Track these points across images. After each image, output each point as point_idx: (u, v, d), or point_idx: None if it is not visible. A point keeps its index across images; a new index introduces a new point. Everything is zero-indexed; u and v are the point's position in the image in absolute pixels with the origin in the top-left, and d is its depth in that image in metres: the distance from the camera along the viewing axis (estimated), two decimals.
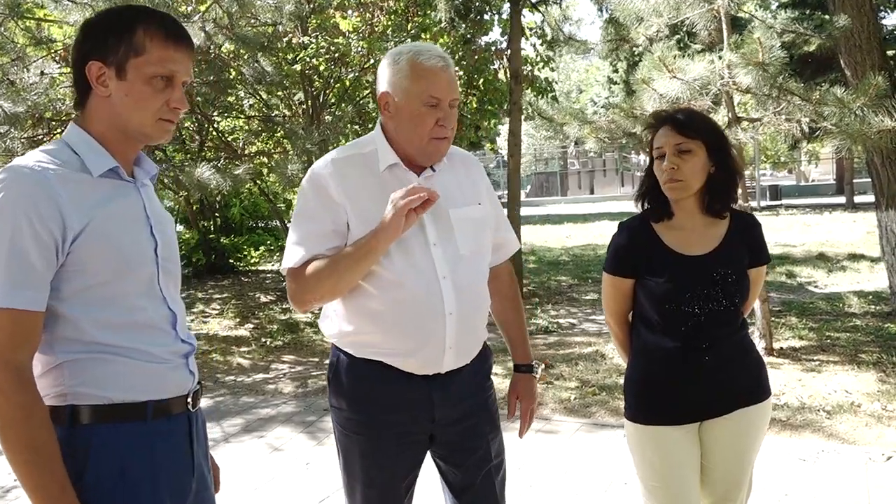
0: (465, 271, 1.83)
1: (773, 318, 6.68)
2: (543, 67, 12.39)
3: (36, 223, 1.25)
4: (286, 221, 10.98)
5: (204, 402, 5.22)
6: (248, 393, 5.48)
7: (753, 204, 22.58)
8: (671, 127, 2.00)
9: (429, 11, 9.38)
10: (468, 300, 1.83)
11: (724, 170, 2.01)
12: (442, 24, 8.94)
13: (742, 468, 2.10)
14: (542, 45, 11.28)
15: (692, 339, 2.01)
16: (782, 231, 14.89)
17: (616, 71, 29.43)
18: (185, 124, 10.58)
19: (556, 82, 13.11)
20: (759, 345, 5.57)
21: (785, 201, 24.22)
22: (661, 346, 2.04)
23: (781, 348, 5.71)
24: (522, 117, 9.22)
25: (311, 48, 9.02)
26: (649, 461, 2.05)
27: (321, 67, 9.36)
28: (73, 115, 1.44)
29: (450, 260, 1.81)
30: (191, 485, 1.48)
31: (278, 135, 10.45)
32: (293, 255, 1.80)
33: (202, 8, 7.62)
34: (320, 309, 1.96)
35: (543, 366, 5.51)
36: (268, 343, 7.08)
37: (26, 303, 1.25)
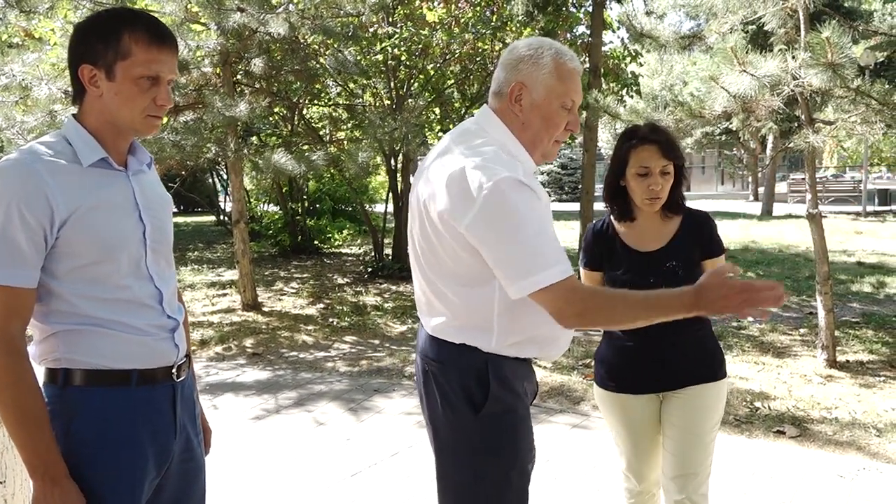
0: None
1: (847, 330, 6.41)
2: (631, 62, 12.17)
3: (24, 211, 1.41)
4: (364, 205, 11.32)
5: (264, 375, 5.49)
6: (306, 369, 5.76)
7: (859, 209, 21.31)
8: (659, 150, 2.22)
9: (509, 4, 9.40)
10: None
11: (679, 179, 2.30)
12: (520, 17, 8.94)
13: (695, 442, 2.28)
14: (629, 38, 11.09)
15: (649, 325, 2.18)
16: (885, 239, 14.03)
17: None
18: (276, 110, 11.07)
19: (642, 76, 12.81)
20: (820, 356, 5.38)
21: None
22: (623, 330, 2.32)
23: (847, 361, 5.47)
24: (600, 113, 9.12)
25: (395, 38, 9.24)
26: (612, 420, 2.43)
27: (403, 58, 9.56)
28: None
29: None
30: (174, 447, 1.63)
31: (364, 123, 10.80)
32: (563, 266, 1.60)
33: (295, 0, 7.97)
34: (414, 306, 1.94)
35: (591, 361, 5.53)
36: (334, 323, 7.38)
37: (17, 280, 1.42)
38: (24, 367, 1.44)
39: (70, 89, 6.80)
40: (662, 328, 2.18)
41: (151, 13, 1.80)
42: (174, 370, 1.63)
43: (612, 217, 2.39)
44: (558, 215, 24.30)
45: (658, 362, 2.30)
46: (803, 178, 24.04)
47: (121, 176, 1.59)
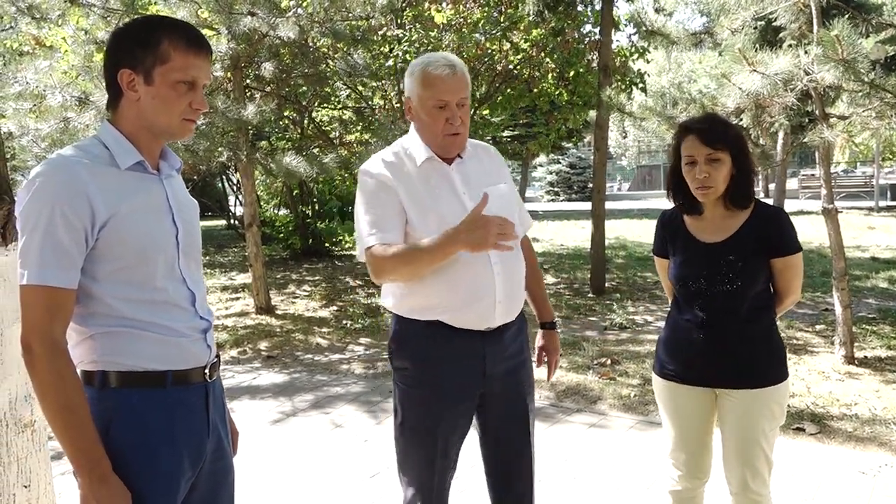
0: None
1: (864, 326, 6.37)
2: (638, 59, 12.15)
3: (67, 212, 1.44)
4: None
5: (280, 378, 5.51)
6: (322, 371, 5.78)
7: (870, 204, 21.17)
8: (699, 138, 2.22)
9: (520, 4, 9.39)
10: (510, 261, 2.15)
11: (744, 170, 2.25)
12: (531, 17, 8.93)
13: (753, 444, 2.23)
14: (636, 35, 11.07)
15: (700, 315, 2.28)
16: None
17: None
18: (286, 113, 11.10)
19: (648, 74, 12.77)
20: (839, 352, 5.34)
21: None
22: (679, 317, 2.36)
23: (865, 357, 5.44)
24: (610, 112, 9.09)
25: (405, 42, 9.25)
26: (662, 408, 2.44)
27: (412, 60, 9.58)
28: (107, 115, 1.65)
29: None
30: (207, 446, 1.66)
31: (374, 126, 10.81)
32: (370, 237, 2.07)
33: (304, 3, 7.99)
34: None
35: (611, 362, 5.52)
36: (348, 325, 7.39)
37: (59, 281, 1.45)
38: (68, 368, 1.46)
39: (82, 96, 6.83)
40: (707, 318, 2.26)
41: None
42: (206, 370, 1.66)
43: (681, 209, 2.40)
44: (568, 214, 24.27)
45: (716, 357, 2.25)
46: (814, 174, 23.88)
47: (155, 179, 1.62)
